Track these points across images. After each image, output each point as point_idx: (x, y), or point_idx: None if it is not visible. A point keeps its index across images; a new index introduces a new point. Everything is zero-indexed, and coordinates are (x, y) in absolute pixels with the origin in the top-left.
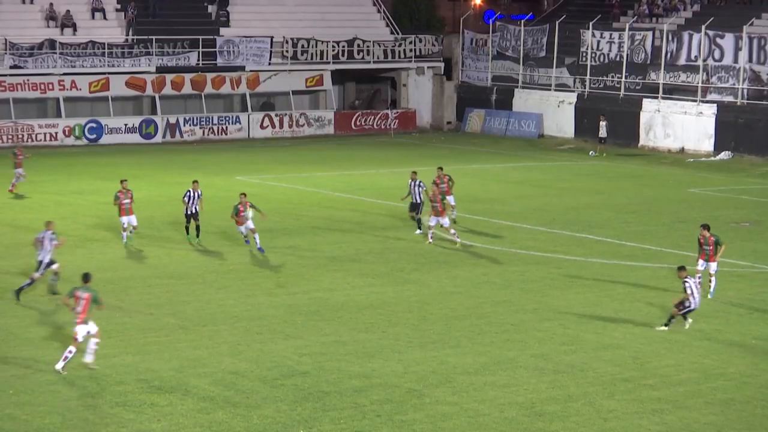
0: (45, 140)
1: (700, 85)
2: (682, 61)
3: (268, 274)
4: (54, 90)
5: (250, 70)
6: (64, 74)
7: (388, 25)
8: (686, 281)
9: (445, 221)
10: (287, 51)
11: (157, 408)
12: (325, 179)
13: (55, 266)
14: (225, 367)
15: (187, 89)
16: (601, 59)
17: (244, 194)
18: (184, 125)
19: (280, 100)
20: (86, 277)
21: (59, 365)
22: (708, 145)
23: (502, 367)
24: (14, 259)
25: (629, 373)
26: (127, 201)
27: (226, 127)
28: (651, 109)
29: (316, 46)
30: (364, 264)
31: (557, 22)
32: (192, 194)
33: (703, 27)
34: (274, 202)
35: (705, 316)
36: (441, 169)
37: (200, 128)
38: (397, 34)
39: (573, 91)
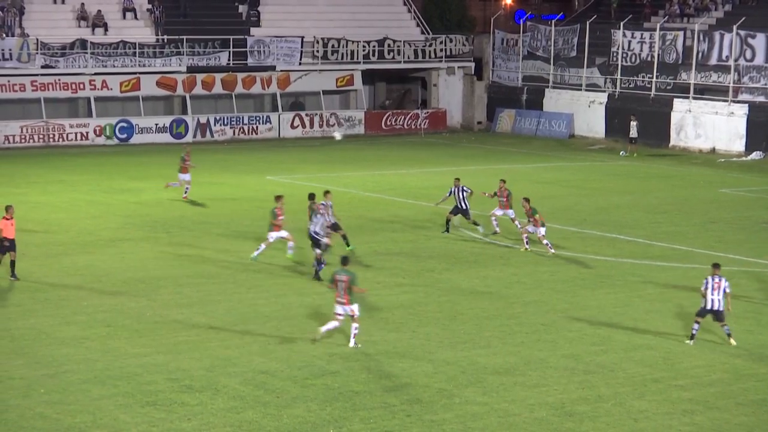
0: (76, 140)
1: (731, 85)
2: (713, 61)
3: (299, 274)
4: (85, 90)
5: (281, 70)
6: (95, 74)
7: (418, 25)
8: (705, 279)
9: (541, 231)
10: (318, 51)
11: (188, 407)
12: (356, 179)
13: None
14: (255, 367)
15: (218, 89)
16: (632, 59)
17: (280, 196)
18: (215, 125)
19: (310, 99)
20: (345, 260)
21: (351, 343)
22: (739, 146)
23: (533, 367)
24: (45, 259)
25: (660, 374)
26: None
27: (257, 127)
28: (682, 109)
29: (347, 46)
30: (395, 264)
31: (588, 22)
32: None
33: (735, 27)
34: (304, 202)
35: (736, 317)
36: (504, 181)
37: (231, 128)
38: (428, 34)
39: (604, 91)
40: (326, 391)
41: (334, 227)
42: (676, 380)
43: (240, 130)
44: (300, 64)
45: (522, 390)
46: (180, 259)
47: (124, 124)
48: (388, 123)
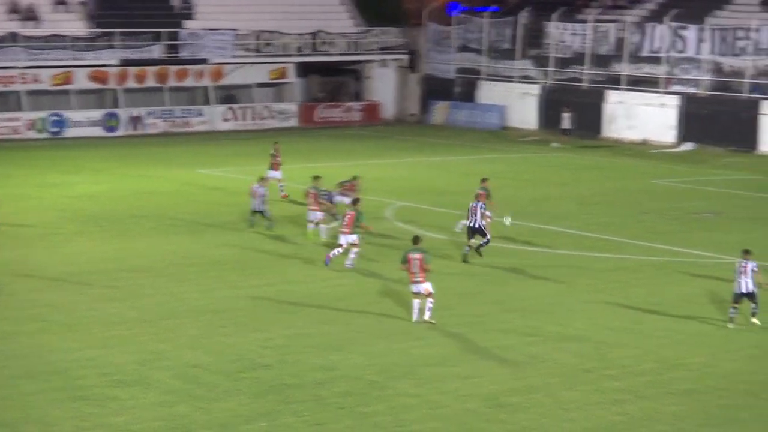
0: (7, 134)
1: (663, 76)
2: (645, 52)
3: (232, 267)
4: (16, 83)
5: (214, 63)
6: (27, 67)
7: (352, 18)
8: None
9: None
10: (251, 44)
11: (119, 402)
12: (289, 172)
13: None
14: (187, 361)
15: (151, 82)
16: (565, 51)
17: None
18: (147, 118)
19: (243, 92)
20: (416, 240)
21: (427, 316)
22: (671, 137)
23: (464, 358)
24: None
25: (591, 364)
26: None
27: (190, 120)
28: (614, 101)
29: (280, 39)
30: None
31: (522, 14)
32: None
33: (667, 19)
34: (237, 195)
35: (666, 307)
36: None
37: (163, 121)
38: (362, 26)
39: (537, 83)
40: (258, 385)
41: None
42: (607, 370)
43: (173, 123)
44: (233, 57)
45: (454, 381)
46: (112, 253)
47: (56, 118)
48: (322, 116)
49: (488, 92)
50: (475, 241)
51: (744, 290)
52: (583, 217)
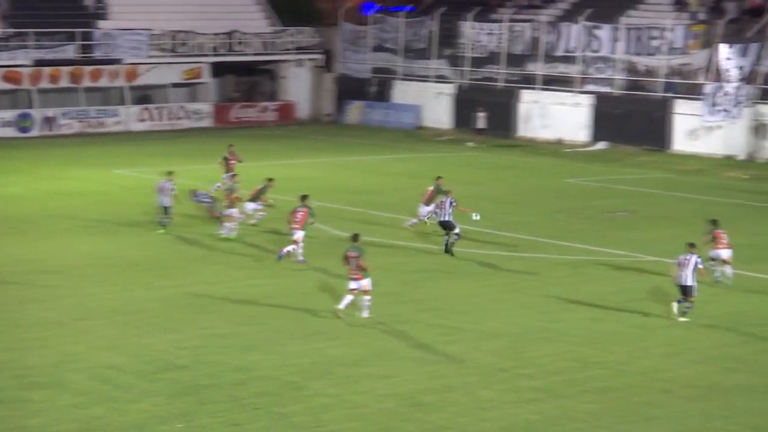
0: None
1: (577, 76)
2: (559, 52)
3: (147, 268)
4: None
5: (128, 63)
6: None
7: (267, 17)
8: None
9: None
10: (165, 44)
11: (34, 404)
12: (204, 172)
13: None
14: (102, 362)
15: (65, 82)
16: (480, 51)
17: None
18: (62, 119)
19: (158, 93)
20: (354, 237)
21: (365, 314)
22: (585, 136)
23: (382, 358)
24: None
25: (507, 363)
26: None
27: (104, 121)
28: (529, 100)
29: (195, 39)
30: (245, 256)
31: (437, 14)
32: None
33: (581, 18)
34: (153, 196)
35: (582, 305)
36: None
37: (78, 122)
38: (277, 26)
39: (452, 83)
40: (174, 386)
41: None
42: (523, 369)
43: (87, 123)
44: (148, 57)
45: (371, 381)
46: (27, 254)
47: None
48: (237, 116)
49: (403, 92)
50: (450, 239)
51: (684, 282)
52: (498, 217)
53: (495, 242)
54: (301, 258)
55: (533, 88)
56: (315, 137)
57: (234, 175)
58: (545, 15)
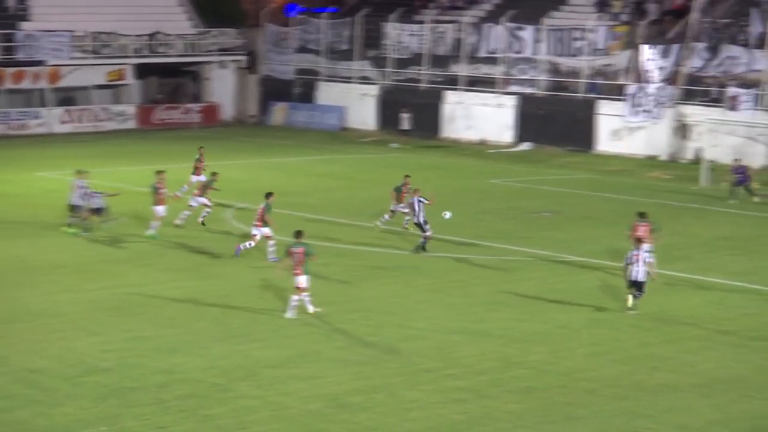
0: None
1: (500, 77)
2: (483, 53)
3: (71, 270)
4: None
5: (51, 65)
6: None
7: (190, 19)
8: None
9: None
10: (88, 45)
11: None
12: (127, 174)
13: None
14: (26, 365)
15: None
16: (404, 52)
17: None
18: None
19: (81, 94)
20: (298, 234)
21: (289, 314)
22: (509, 137)
23: (307, 359)
24: None
25: (432, 364)
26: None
27: (27, 123)
28: (453, 101)
29: (118, 40)
30: (168, 259)
31: (360, 15)
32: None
33: (503, 20)
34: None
35: (506, 305)
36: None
37: (0, 124)
38: (200, 27)
39: (376, 84)
40: (99, 389)
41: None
42: (448, 369)
43: (9, 125)
44: (70, 58)
45: (296, 382)
46: None
47: None
48: (161, 117)
49: (327, 93)
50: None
51: (635, 278)
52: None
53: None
54: (272, 257)
55: (457, 89)
56: (239, 139)
57: (214, 173)
58: (468, 16)
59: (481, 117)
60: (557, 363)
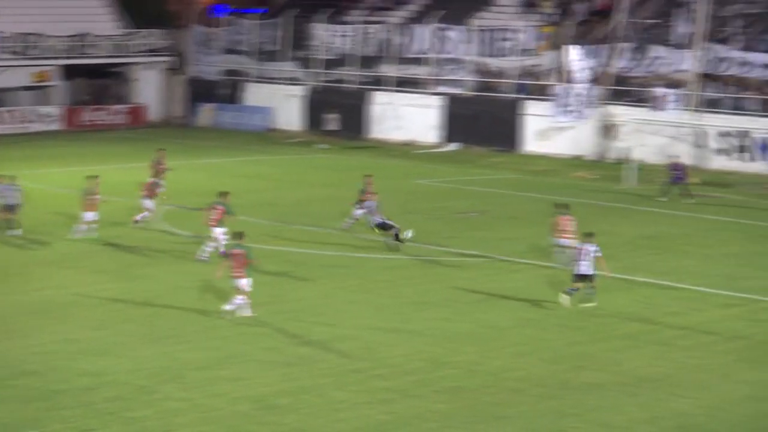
0: None
1: (428, 77)
2: (411, 54)
3: None
4: None
5: None
6: None
7: (117, 20)
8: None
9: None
10: (14, 46)
11: None
12: (54, 176)
13: None
14: None
15: None
16: (331, 53)
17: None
18: None
19: (7, 95)
20: (239, 235)
21: (248, 312)
22: (436, 137)
23: (234, 361)
24: None
25: (359, 364)
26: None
27: None
28: (381, 102)
29: (45, 41)
30: (95, 261)
31: (288, 16)
32: None
33: (431, 20)
34: None
35: (435, 306)
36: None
37: None
38: (127, 28)
39: (304, 85)
40: (26, 392)
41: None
42: (376, 370)
43: None
44: None
45: (223, 384)
46: None
47: None
48: (87, 119)
49: (254, 94)
50: (389, 234)
51: (583, 272)
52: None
53: (347, 244)
54: (203, 255)
55: (385, 90)
56: (166, 140)
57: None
58: (396, 17)
59: (409, 117)
60: (485, 363)
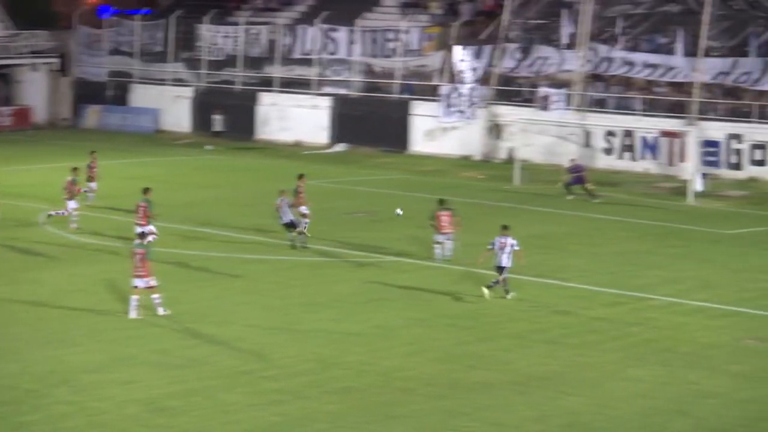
0: None
1: (315, 78)
2: (297, 54)
3: None
4: None
5: None
6: None
7: (1, 21)
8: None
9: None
10: None
11: None
12: None
13: None
14: None
15: None
16: (218, 54)
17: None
18: None
19: None
20: (142, 235)
21: (160, 311)
22: (323, 138)
23: (123, 364)
24: None
25: (249, 366)
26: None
27: None
28: (267, 103)
29: None
30: None
31: (174, 17)
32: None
33: (317, 21)
34: None
35: (323, 307)
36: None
37: None
38: (11, 29)
39: (190, 86)
40: None
41: None
42: (266, 371)
43: None
44: None
45: (112, 387)
46: None
47: None
48: None
49: (141, 95)
50: (295, 234)
51: (503, 264)
52: (238, 219)
53: (234, 245)
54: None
55: (272, 91)
56: (52, 142)
57: (75, 168)
58: (282, 18)
59: (296, 118)
60: (375, 363)
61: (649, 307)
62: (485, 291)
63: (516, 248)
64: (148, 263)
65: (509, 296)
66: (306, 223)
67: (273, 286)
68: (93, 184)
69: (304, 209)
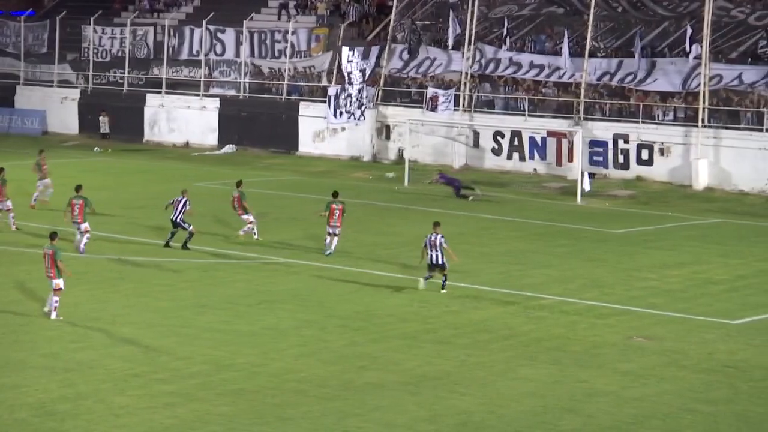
0: None
1: (202, 79)
2: (184, 55)
3: None
4: None
5: None
6: None
7: None
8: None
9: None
10: None
11: None
12: None
13: None
14: None
15: None
16: (104, 55)
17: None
18: None
19: None
20: (52, 236)
21: (53, 316)
22: (212, 139)
23: (11, 368)
24: None
25: (140, 369)
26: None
27: None
28: (155, 104)
29: None
30: None
31: (58, 18)
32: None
33: (204, 22)
34: None
35: (214, 308)
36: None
37: None
38: None
39: (76, 87)
40: None
41: None
42: (157, 374)
43: None
44: None
45: (2, 392)
46: None
47: None
48: None
49: (27, 97)
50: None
51: (435, 262)
52: (126, 222)
53: (123, 248)
54: (81, 248)
55: (159, 92)
56: None
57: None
58: (169, 19)
59: (184, 120)
60: (267, 364)
61: (538, 306)
62: (421, 282)
63: (444, 246)
64: (57, 264)
65: (443, 291)
66: (250, 228)
67: (161, 289)
68: (47, 180)
69: (247, 216)
